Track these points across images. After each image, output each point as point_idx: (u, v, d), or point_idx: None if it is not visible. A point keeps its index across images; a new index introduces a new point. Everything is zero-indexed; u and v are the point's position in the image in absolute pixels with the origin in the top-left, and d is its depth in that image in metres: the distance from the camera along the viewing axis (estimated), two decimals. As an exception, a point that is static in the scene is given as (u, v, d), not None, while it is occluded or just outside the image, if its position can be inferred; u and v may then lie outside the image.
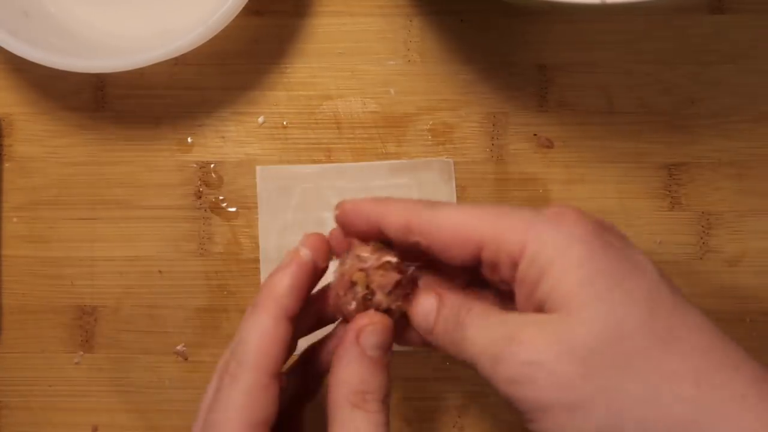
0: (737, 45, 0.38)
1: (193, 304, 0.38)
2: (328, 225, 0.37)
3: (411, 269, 0.27)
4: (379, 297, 0.26)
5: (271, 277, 0.27)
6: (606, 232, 0.25)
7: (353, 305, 0.26)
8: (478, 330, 0.25)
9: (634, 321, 0.22)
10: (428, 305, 0.27)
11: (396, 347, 0.35)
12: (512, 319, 0.24)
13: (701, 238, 0.38)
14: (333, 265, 0.28)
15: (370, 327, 0.26)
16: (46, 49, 0.35)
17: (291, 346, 0.27)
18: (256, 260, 0.38)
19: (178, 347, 0.38)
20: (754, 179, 0.38)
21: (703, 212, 0.38)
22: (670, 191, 0.38)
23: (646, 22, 0.38)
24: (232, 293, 0.38)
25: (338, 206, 0.29)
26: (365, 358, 0.26)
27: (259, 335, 0.26)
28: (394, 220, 0.26)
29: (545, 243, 0.24)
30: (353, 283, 0.26)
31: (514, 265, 0.24)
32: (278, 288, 0.27)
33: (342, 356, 0.26)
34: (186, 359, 0.38)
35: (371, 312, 0.26)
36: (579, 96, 0.38)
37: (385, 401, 0.26)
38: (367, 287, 0.26)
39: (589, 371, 0.22)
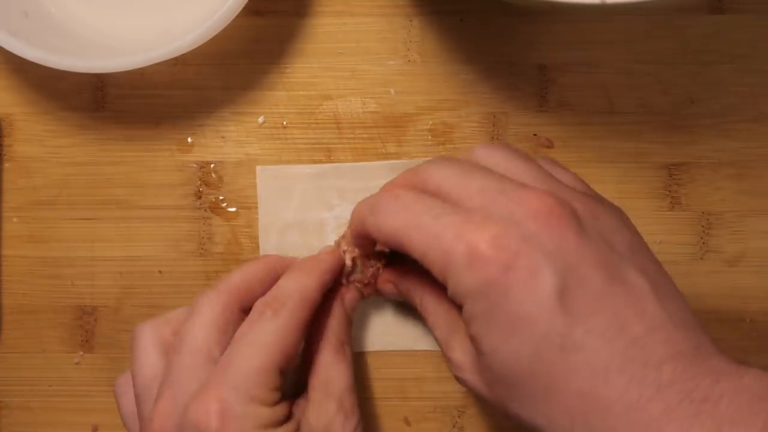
0: (737, 45, 0.38)
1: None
2: (328, 225, 0.38)
3: (376, 264, 0.35)
4: (357, 276, 0.35)
5: (317, 255, 0.34)
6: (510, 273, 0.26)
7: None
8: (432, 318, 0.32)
9: (524, 369, 0.26)
10: (387, 289, 0.35)
11: (396, 347, 0.36)
12: (451, 324, 0.31)
13: (701, 238, 0.38)
14: None
15: (350, 293, 0.34)
16: (46, 49, 0.35)
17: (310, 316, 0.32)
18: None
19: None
20: (754, 179, 0.38)
21: (703, 212, 0.38)
22: (670, 191, 0.38)
23: (646, 22, 0.38)
24: (232, 293, 0.38)
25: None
26: (346, 314, 0.34)
27: (303, 289, 0.31)
28: (354, 227, 0.32)
29: (457, 289, 0.27)
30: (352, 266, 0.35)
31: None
32: (327, 263, 0.33)
33: (332, 310, 0.33)
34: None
35: (349, 285, 0.35)
36: (579, 96, 0.38)
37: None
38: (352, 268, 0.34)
39: (495, 394, 0.28)
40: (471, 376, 0.29)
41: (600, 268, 0.26)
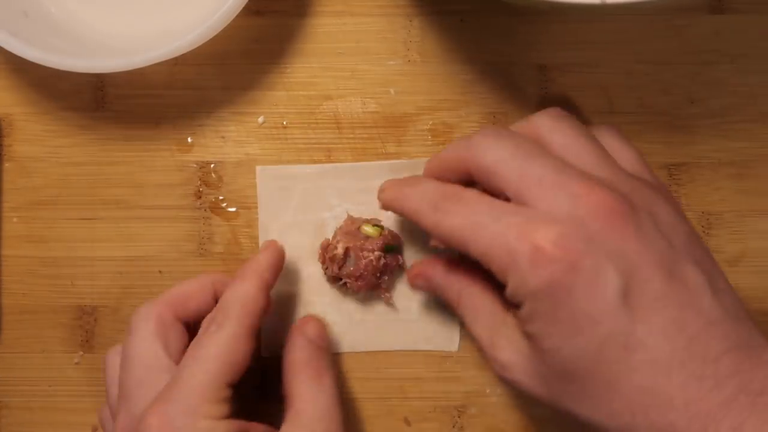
0: (737, 45, 0.38)
1: (193, 304, 0.38)
2: (328, 225, 0.38)
3: (381, 260, 0.35)
4: (349, 269, 0.35)
5: (253, 257, 0.34)
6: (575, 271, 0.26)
7: (334, 270, 0.36)
8: (476, 317, 0.32)
9: (587, 367, 0.26)
10: (419, 283, 0.35)
11: (397, 347, 0.36)
12: (496, 322, 0.31)
13: (701, 238, 0.38)
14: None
15: (310, 323, 0.35)
16: (46, 49, 0.35)
17: (264, 314, 0.33)
18: (256, 260, 0.38)
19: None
20: (754, 179, 0.38)
21: (703, 212, 0.38)
22: (670, 191, 0.38)
23: (646, 22, 0.38)
24: (232, 293, 0.38)
25: (381, 190, 0.34)
26: (311, 343, 0.33)
27: (243, 297, 0.32)
28: (407, 213, 0.32)
29: (519, 288, 0.27)
30: (343, 256, 0.35)
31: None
32: (262, 264, 0.33)
33: (293, 343, 0.34)
34: (186, 359, 0.38)
35: (309, 316, 0.36)
36: (579, 96, 0.38)
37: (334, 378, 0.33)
38: (344, 260, 0.35)
39: (552, 392, 0.28)
40: (521, 375, 0.29)
41: (660, 268, 0.26)
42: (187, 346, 0.33)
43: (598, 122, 0.38)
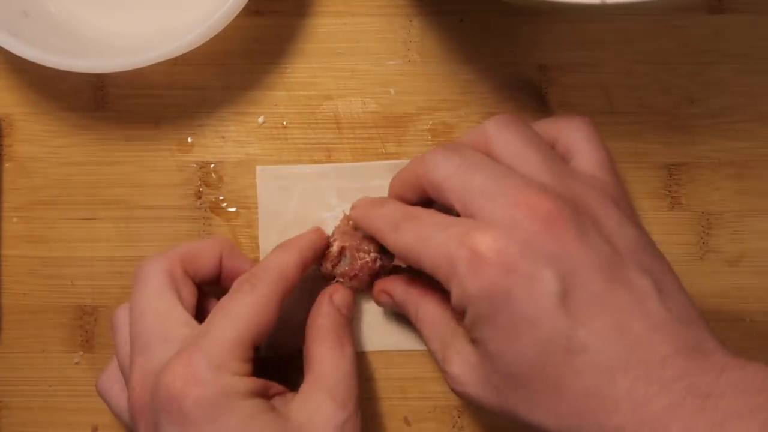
0: (737, 45, 0.38)
1: (193, 304, 0.38)
2: (328, 225, 0.38)
3: (377, 261, 0.35)
4: (344, 267, 0.36)
5: (299, 236, 0.35)
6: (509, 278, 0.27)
7: (331, 268, 0.36)
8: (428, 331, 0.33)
9: (530, 371, 0.27)
10: (382, 299, 0.36)
11: (396, 347, 0.36)
12: (448, 335, 0.31)
13: (701, 238, 0.38)
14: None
15: (339, 291, 0.35)
16: (46, 49, 0.35)
17: (290, 292, 0.33)
18: (257, 260, 0.38)
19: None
20: (754, 179, 0.38)
21: (703, 212, 0.38)
22: (670, 191, 0.38)
23: (646, 22, 0.38)
24: (232, 293, 0.38)
25: (353, 207, 0.35)
26: (337, 311, 0.34)
27: (281, 265, 0.32)
28: (373, 232, 0.33)
29: (461, 295, 0.27)
30: (338, 254, 0.36)
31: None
32: (304, 242, 0.34)
33: (320, 309, 0.34)
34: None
35: (338, 284, 0.36)
36: (579, 96, 0.38)
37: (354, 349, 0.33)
38: (338, 259, 0.36)
39: (502, 399, 0.28)
40: (471, 386, 0.29)
41: (600, 272, 0.26)
42: (196, 303, 0.33)
43: (598, 122, 0.38)
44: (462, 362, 0.30)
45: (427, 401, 0.38)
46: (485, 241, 0.27)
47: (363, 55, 0.38)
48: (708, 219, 0.38)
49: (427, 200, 0.32)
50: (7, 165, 0.39)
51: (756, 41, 0.38)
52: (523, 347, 0.26)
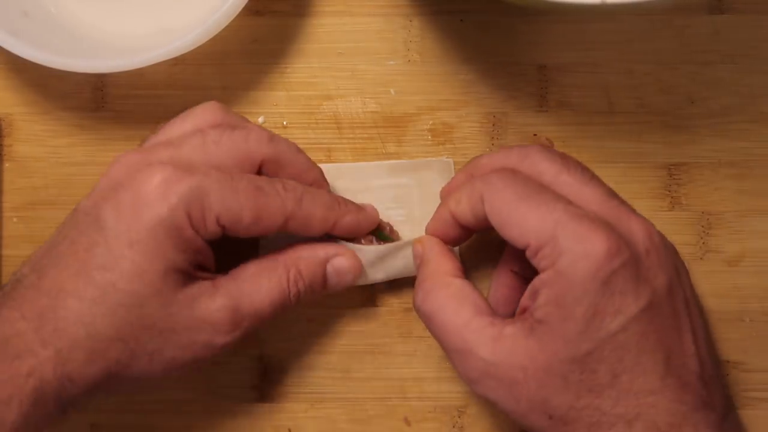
0: (737, 45, 0.38)
1: (193, 304, 0.38)
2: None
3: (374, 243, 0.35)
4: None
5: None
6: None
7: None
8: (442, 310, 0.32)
9: (569, 373, 0.29)
10: (416, 250, 0.35)
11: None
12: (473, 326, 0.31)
13: (701, 238, 0.38)
14: None
15: (342, 257, 0.34)
16: (46, 49, 0.35)
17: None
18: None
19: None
20: (754, 179, 0.38)
21: (703, 212, 0.38)
22: (670, 191, 0.38)
23: (646, 22, 0.38)
24: (232, 293, 0.38)
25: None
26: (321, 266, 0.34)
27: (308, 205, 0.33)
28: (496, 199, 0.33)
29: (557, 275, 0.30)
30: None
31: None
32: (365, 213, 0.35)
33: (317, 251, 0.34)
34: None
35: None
36: (579, 96, 0.38)
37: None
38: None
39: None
40: (506, 370, 0.30)
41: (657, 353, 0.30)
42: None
43: (598, 122, 0.38)
44: (498, 348, 0.30)
45: (427, 401, 0.38)
46: (603, 235, 0.29)
47: (363, 55, 0.38)
48: (708, 219, 0.38)
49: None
50: (7, 165, 0.39)
51: (756, 41, 0.38)
52: (590, 340, 0.29)
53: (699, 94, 0.38)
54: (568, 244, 0.29)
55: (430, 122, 0.38)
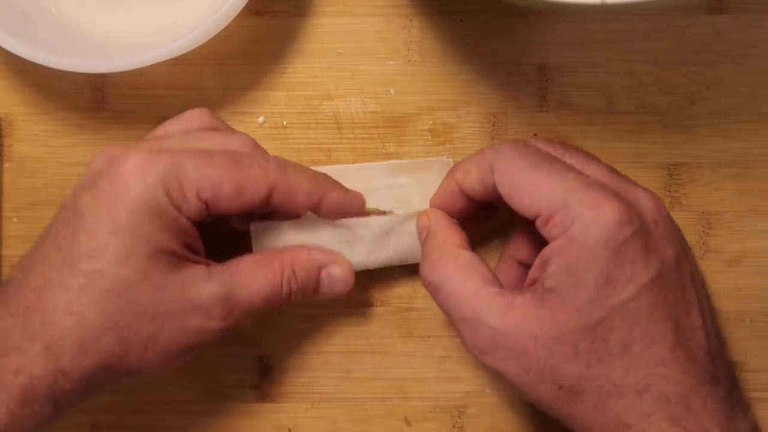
0: (737, 45, 0.38)
1: (193, 304, 0.38)
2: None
3: None
4: None
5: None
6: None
7: None
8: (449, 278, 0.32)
9: (578, 339, 0.29)
10: (421, 222, 0.35)
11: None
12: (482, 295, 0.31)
13: (701, 238, 0.38)
14: None
15: (339, 266, 0.35)
16: (46, 49, 0.35)
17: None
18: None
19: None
20: (754, 179, 0.38)
21: (703, 212, 0.38)
22: (670, 191, 0.38)
23: (646, 22, 0.38)
24: (232, 293, 0.38)
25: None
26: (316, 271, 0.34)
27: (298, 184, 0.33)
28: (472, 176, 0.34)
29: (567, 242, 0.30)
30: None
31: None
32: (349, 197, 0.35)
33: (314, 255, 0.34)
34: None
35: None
36: (579, 96, 0.38)
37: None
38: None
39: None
40: (515, 337, 0.30)
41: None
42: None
43: (598, 122, 0.38)
44: (508, 317, 0.30)
45: (427, 401, 0.38)
46: (616, 203, 0.29)
47: (363, 55, 0.38)
48: (708, 219, 0.38)
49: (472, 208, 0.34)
50: (7, 165, 0.39)
51: (756, 41, 0.38)
52: (600, 307, 0.29)
53: (699, 94, 0.38)
54: (579, 210, 0.29)
55: (430, 122, 0.38)
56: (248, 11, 0.37)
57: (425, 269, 0.33)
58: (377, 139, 0.38)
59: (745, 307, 0.38)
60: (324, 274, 0.34)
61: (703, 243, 0.38)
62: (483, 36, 0.38)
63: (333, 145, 0.38)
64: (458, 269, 0.32)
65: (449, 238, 0.33)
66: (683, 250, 0.32)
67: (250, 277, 0.32)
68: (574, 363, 0.29)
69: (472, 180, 0.33)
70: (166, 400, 0.38)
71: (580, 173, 0.31)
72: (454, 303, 0.31)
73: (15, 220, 0.39)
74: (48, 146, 0.39)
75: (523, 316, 0.30)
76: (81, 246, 0.29)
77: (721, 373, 0.30)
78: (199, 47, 0.34)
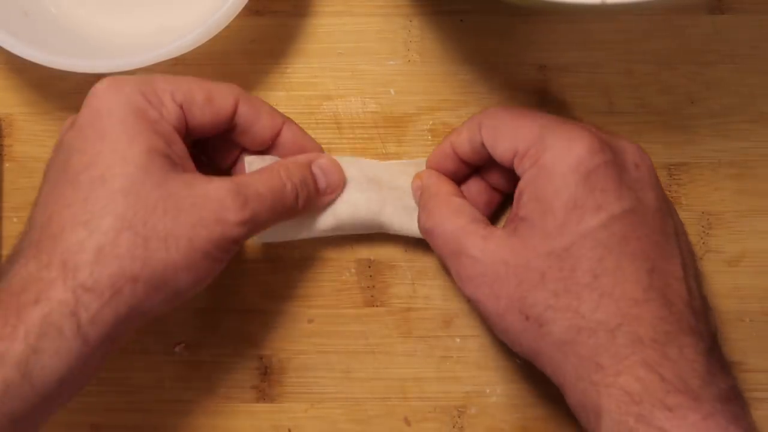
0: (737, 45, 0.38)
1: (193, 304, 0.38)
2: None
3: None
4: None
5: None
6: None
7: None
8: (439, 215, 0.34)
9: (547, 268, 0.29)
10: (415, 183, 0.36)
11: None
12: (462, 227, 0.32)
13: (701, 238, 0.38)
14: None
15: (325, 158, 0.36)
16: (46, 49, 0.35)
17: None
18: (257, 260, 0.38)
19: (178, 347, 0.38)
20: (754, 179, 0.38)
21: (703, 212, 0.38)
22: (670, 191, 0.38)
23: (646, 22, 0.38)
24: (232, 293, 0.38)
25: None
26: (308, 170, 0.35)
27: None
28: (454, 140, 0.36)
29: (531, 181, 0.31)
30: None
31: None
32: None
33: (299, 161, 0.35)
34: (186, 359, 0.38)
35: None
36: (579, 96, 0.38)
37: None
38: None
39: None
40: (494, 267, 0.31)
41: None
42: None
43: (598, 122, 0.38)
44: (486, 245, 0.31)
45: (427, 401, 0.38)
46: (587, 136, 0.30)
47: (363, 55, 0.38)
48: (708, 219, 0.38)
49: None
50: (7, 165, 0.39)
51: (756, 41, 0.38)
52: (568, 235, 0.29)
53: (699, 94, 0.38)
54: (552, 142, 0.30)
55: (430, 122, 0.38)
56: (248, 11, 0.37)
57: (422, 218, 0.34)
58: (377, 139, 0.38)
59: (745, 307, 0.38)
60: (315, 168, 0.35)
61: (703, 243, 0.38)
62: (483, 36, 0.38)
63: (333, 145, 0.38)
64: (449, 212, 0.33)
65: (442, 188, 0.35)
66: (669, 208, 0.31)
67: (253, 177, 0.32)
68: (540, 290, 0.29)
69: (463, 140, 0.34)
70: (166, 400, 0.38)
71: (558, 116, 0.32)
72: (443, 240, 0.33)
73: (15, 220, 0.39)
74: (48, 146, 0.39)
75: (498, 245, 0.30)
76: (75, 165, 0.29)
77: (702, 330, 0.29)
78: (199, 47, 0.34)
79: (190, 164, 0.31)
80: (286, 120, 0.35)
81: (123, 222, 0.28)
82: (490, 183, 0.36)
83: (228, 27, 0.34)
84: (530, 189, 0.30)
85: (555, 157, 0.29)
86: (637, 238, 0.29)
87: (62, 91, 0.39)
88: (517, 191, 0.31)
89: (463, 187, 0.36)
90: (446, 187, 0.35)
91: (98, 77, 0.38)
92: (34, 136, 0.39)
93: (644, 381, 0.27)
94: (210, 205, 0.29)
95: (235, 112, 0.33)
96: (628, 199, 0.29)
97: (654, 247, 0.29)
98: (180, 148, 0.31)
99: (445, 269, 0.35)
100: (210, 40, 0.34)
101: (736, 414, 0.27)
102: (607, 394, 0.28)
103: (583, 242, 0.29)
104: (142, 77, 0.31)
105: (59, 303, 0.26)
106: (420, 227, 0.35)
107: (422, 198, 0.35)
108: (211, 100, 0.32)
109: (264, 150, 0.35)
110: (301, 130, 0.36)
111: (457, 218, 0.33)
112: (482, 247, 0.31)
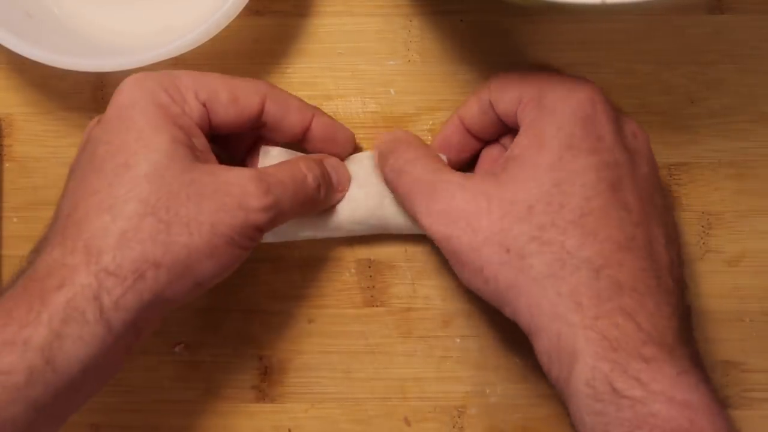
0: (737, 45, 0.38)
1: (193, 304, 0.38)
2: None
3: None
4: None
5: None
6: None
7: None
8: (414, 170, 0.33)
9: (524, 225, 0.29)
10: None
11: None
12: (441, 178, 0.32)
13: (701, 238, 0.38)
14: None
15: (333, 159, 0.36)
16: (47, 49, 0.35)
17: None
18: (257, 260, 0.38)
19: (178, 347, 0.38)
20: (754, 179, 0.38)
21: (703, 212, 0.38)
22: (670, 191, 0.38)
23: (646, 22, 0.38)
24: (232, 293, 0.38)
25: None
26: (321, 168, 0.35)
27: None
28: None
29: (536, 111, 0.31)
30: None
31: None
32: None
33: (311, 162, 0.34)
34: (186, 359, 0.38)
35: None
36: (579, 96, 0.38)
37: None
38: None
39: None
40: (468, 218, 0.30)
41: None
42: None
43: (598, 122, 0.38)
44: (466, 179, 0.31)
45: (427, 401, 0.38)
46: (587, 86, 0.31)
47: (363, 55, 0.38)
48: (708, 219, 0.38)
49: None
50: (7, 165, 0.39)
51: (756, 41, 0.38)
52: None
53: (699, 94, 0.38)
54: (553, 88, 0.30)
55: (430, 122, 0.38)
56: (248, 11, 0.37)
57: (390, 159, 0.33)
58: (377, 139, 0.38)
59: (745, 307, 0.38)
60: (327, 166, 0.35)
61: (703, 243, 0.38)
62: (483, 36, 0.38)
63: (333, 145, 0.38)
64: (425, 151, 0.34)
65: (408, 135, 0.36)
66: (660, 185, 0.32)
67: (275, 167, 0.32)
68: (525, 223, 0.29)
69: (472, 108, 0.34)
70: (166, 400, 0.38)
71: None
72: (416, 177, 0.32)
73: (15, 220, 0.39)
74: (48, 146, 0.39)
75: (481, 180, 0.31)
76: (101, 155, 0.29)
77: (678, 297, 0.29)
78: (199, 47, 0.34)
79: (212, 157, 0.32)
80: (316, 112, 0.35)
81: (146, 207, 0.28)
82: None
83: (228, 27, 0.34)
84: (528, 130, 0.30)
85: (557, 99, 0.30)
86: (625, 190, 0.29)
87: (62, 92, 0.39)
88: (510, 150, 0.31)
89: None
90: (410, 136, 0.36)
91: (99, 77, 0.39)
92: (34, 136, 0.39)
93: (623, 328, 0.27)
94: (233, 190, 0.29)
95: (261, 111, 0.33)
96: (622, 153, 0.30)
97: (641, 207, 0.30)
98: (202, 142, 0.31)
99: (446, 268, 0.34)
100: (210, 40, 0.34)
101: (705, 377, 0.27)
102: (584, 336, 0.27)
103: (574, 179, 0.29)
104: (167, 73, 0.31)
105: (82, 287, 0.26)
106: (386, 171, 0.34)
107: (389, 145, 0.34)
108: (236, 99, 0.32)
109: (294, 144, 0.35)
110: (332, 120, 0.36)
111: (433, 157, 0.33)
112: (462, 180, 0.31)
